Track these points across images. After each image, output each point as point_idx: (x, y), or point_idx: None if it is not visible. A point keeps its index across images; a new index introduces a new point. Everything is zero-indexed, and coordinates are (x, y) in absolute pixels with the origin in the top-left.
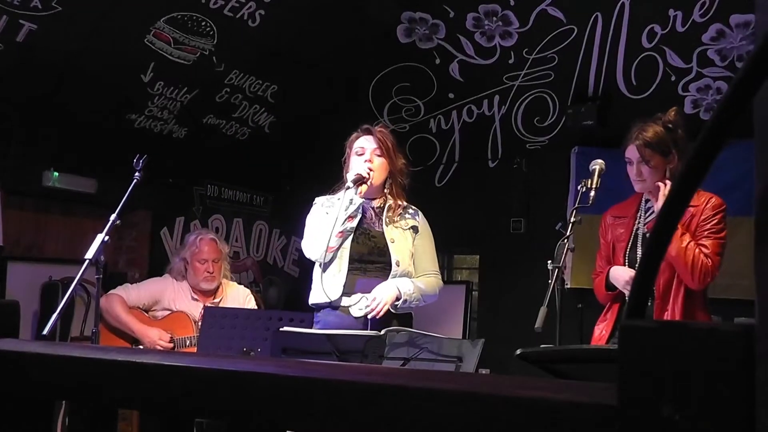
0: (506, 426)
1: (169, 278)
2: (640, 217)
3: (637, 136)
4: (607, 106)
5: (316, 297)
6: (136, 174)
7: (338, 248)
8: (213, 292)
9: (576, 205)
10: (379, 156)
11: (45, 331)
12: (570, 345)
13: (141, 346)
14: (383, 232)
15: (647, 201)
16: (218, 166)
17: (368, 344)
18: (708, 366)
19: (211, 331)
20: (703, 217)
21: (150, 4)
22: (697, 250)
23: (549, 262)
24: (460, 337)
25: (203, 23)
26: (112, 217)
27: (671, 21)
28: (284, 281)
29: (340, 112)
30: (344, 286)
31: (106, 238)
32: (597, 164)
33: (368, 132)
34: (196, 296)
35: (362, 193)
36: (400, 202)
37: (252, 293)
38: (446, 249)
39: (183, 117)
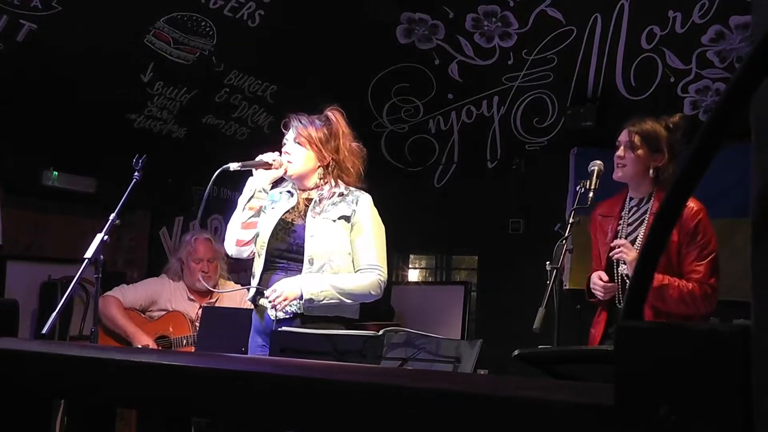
0: (503, 426)
1: (166, 278)
2: (623, 217)
3: (634, 123)
4: (606, 107)
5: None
6: (136, 174)
7: (257, 243)
8: (209, 293)
9: (575, 206)
10: (299, 144)
11: (44, 331)
12: (568, 346)
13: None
14: (304, 225)
15: (630, 200)
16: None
17: (367, 344)
18: (705, 366)
19: (209, 331)
20: (685, 232)
21: (150, 4)
22: (690, 285)
23: (547, 262)
24: (459, 338)
25: (203, 23)
26: (111, 216)
27: (671, 22)
28: None
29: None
30: (259, 284)
31: (105, 237)
32: (596, 165)
33: (285, 126)
34: (192, 296)
35: (271, 181)
36: (336, 189)
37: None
38: (445, 249)
39: (182, 117)
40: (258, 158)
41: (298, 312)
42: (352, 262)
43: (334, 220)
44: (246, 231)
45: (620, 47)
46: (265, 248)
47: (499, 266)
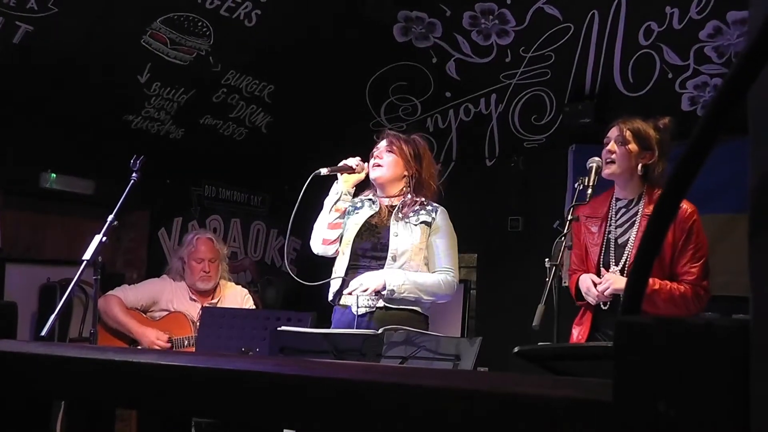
0: (503, 422)
1: (167, 279)
2: (611, 219)
3: (625, 120)
4: (604, 104)
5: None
6: (134, 175)
7: (341, 243)
8: (211, 292)
9: (573, 203)
10: (389, 152)
11: (43, 332)
12: (568, 342)
13: (139, 347)
14: (389, 227)
15: (618, 201)
16: (215, 166)
17: (366, 343)
18: (703, 361)
19: (209, 331)
20: (680, 233)
21: (146, 5)
22: (682, 288)
23: (546, 260)
24: (458, 336)
25: (200, 23)
26: (110, 217)
27: (668, 18)
28: (282, 281)
29: (337, 112)
30: (343, 282)
31: (104, 238)
32: (594, 162)
33: (379, 136)
34: (194, 296)
35: (353, 184)
36: (417, 199)
37: (250, 293)
38: None
39: (180, 117)
40: (342, 163)
41: (378, 307)
42: (426, 265)
43: (416, 224)
44: (332, 231)
45: (618, 44)
46: (350, 247)
47: (499, 264)
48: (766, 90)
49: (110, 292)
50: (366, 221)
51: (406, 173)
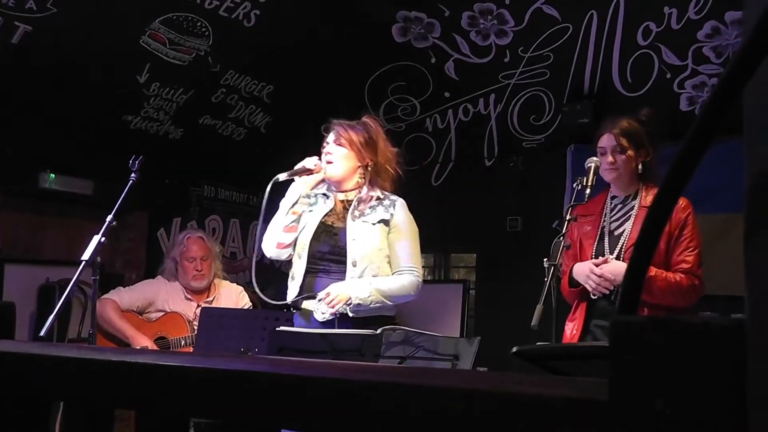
0: (499, 422)
1: (162, 279)
2: (606, 215)
3: (614, 125)
4: (602, 104)
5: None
6: (133, 175)
7: (296, 246)
8: (206, 291)
9: (572, 203)
10: (339, 146)
11: (42, 333)
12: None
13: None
14: (345, 228)
15: (613, 198)
16: (214, 166)
17: (365, 343)
18: (700, 360)
19: (208, 332)
20: (675, 224)
21: (145, 5)
22: (678, 277)
23: (545, 259)
24: (457, 336)
25: (198, 24)
26: (109, 218)
27: (666, 18)
28: (281, 281)
29: (336, 112)
30: (302, 287)
31: (103, 239)
32: (593, 162)
33: (326, 130)
34: (189, 296)
35: (314, 185)
36: (374, 193)
37: (245, 291)
38: (443, 248)
39: (179, 118)
40: (300, 165)
41: (344, 313)
42: (389, 263)
43: (374, 224)
44: (287, 234)
45: (616, 44)
46: (306, 250)
47: (498, 264)
48: (762, 89)
49: (105, 296)
50: (321, 221)
51: (359, 164)
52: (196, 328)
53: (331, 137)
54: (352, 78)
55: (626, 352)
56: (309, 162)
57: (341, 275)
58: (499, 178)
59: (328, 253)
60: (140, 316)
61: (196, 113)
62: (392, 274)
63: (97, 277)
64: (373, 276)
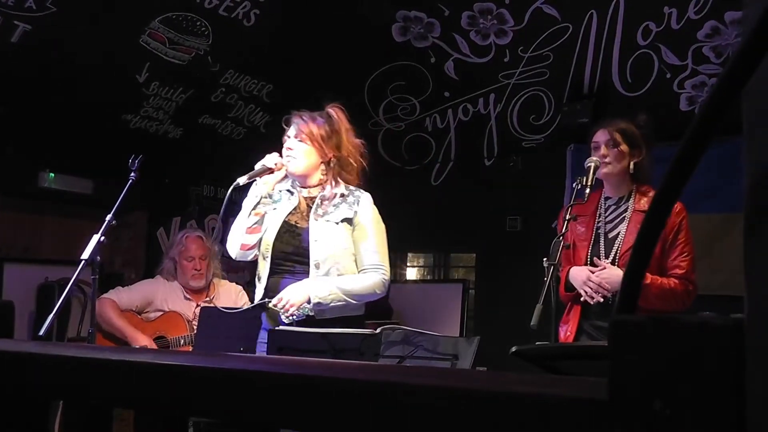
0: (498, 421)
1: (161, 279)
2: (600, 216)
3: (609, 123)
4: (602, 104)
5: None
6: (132, 174)
7: (260, 246)
8: (204, 291)
9: (571, 203)
10: (300, 141)
11: (41, 332)
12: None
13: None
14: (308, 229)
15: (607, 199)
16: (214, 166)
17: (364, 342)
18: (699, 360)
19: (207, 331)
20: (670, 228)
21: (145, 5)
22: (672, 283)
23: (544, 259)
24: (457, 335)
25: (198, 23)
26: (108, 217)
27: (666, 18)
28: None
29: None
30: (266, 288)
31: (102, 238)
32: (592, 162)
33: (286, 122)
34: (188, 296)
35: (276, 183)
36: (337, 190)
37: (244, 290)
38: (442, 247)
39: (178, 117)
40: (260, 165)
41: (310, 315)
42: (355, 262)
43: (337, 223)
44: (250, 236)
45: (616, 44)
46: (270, 251)
47: (497, 264)
48: (760, 89)
49: (104, 296)
50: (285, 221)
51: (322, 160)
52: (195, 327)
53: (291, 131)
54: (352, 77)
55: (625, 351)
56: (269, 160)
57: (306, 276)
58: (499, 177)
59: (292, 254)
60: (139, 316)
61: (195, 113)
62: (358, 272)
63: (97, 277)
64: (338, 275)
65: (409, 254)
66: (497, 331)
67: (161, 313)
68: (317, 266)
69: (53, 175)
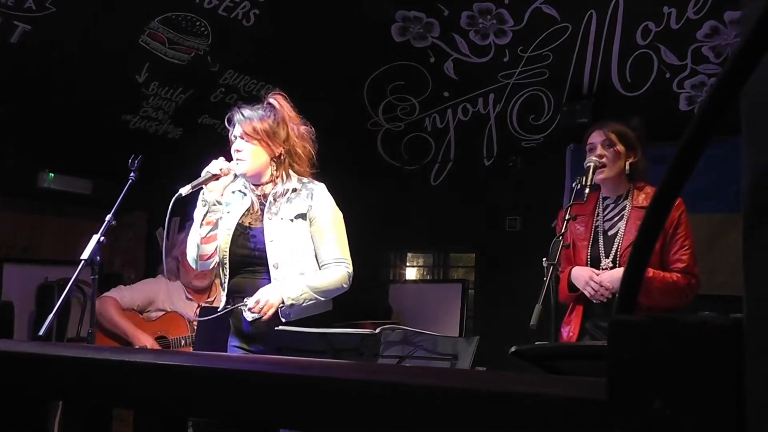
0: (498, 421)
1: (162, 279)
2: (598, 215)
3: (604, 124)
4: (602, 104)
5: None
6: (132, 174)
7: (219, 252)
8: (207, 291)
9: (571, 203)
10: (247, 142)
11: (41, 332)
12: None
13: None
14: (263, 229)
15: (605, 199)
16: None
17: (363, 342)
18: (698, 360)
19: (207, 331)
20: (670, 222)
21: (144, 5)
22: (675, 277)
23: (544, 259)
24: (456, 335)
25: (198, 23)
26: (108, 217)
27: (665, 18)
28: None
29: (335, 112)
30: (229, 292)
31: (102, 238)
32: (592, 162)
33: (228, 121)
34: (190, 296)
35: (224, 188)
36: (289, 185)
37: None
38: (442, 247)
39: (178, 117)
40: (205, 172)
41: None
42: (316, 257)
43: (292, 220)
44: (207, 245)
45: (615, 43)
46: (227, 257)
47: (496, 263)
48: (760, 89)
49: (106, 294)
50: (239, 224)
51: (270, 157)
52: (195, 327)
53: (237, 130)
54: (351, 77)
55: (625, 351)
56: (213, 167)
57: (268, 276)
58: (498, 177)
59: (249, 256)
60: (140, 315)
61: (195, 113)
62: (320, 268)
63: (96, 277)
64: (300, 274)
65: (409, 254)
66: (496, 331)
67: (162, 313)
68: (276, 266)
69: (53, 175)
